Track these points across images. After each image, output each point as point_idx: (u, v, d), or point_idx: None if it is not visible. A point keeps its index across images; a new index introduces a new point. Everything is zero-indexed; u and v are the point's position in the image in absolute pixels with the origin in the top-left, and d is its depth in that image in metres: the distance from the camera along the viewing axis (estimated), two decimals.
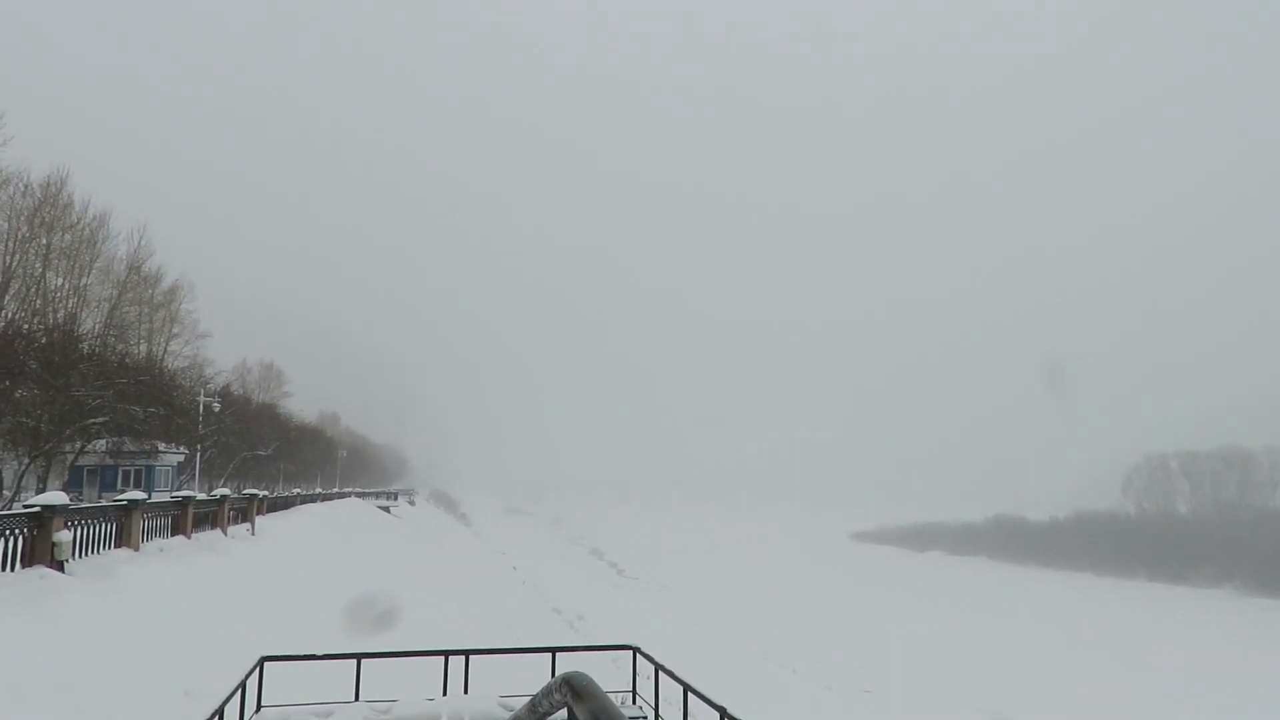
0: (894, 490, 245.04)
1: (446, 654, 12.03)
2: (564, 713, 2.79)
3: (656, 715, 11.81)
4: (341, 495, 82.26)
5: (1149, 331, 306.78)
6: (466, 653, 12.12)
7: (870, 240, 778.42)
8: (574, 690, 2.47)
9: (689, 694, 9.89)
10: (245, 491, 40.90)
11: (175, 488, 46.70)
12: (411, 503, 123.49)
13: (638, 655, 12.80)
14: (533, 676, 11.17)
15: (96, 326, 47.54)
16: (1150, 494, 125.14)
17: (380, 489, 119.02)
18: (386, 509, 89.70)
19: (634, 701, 12.77)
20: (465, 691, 11.93)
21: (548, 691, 3.06)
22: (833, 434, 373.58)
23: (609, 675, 15.31)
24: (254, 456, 62.80)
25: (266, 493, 49.39)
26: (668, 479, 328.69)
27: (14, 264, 42.76)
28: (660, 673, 11.26)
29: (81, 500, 34.38)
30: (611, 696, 13.68)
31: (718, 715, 8.45)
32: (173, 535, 27.23)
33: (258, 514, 39.29)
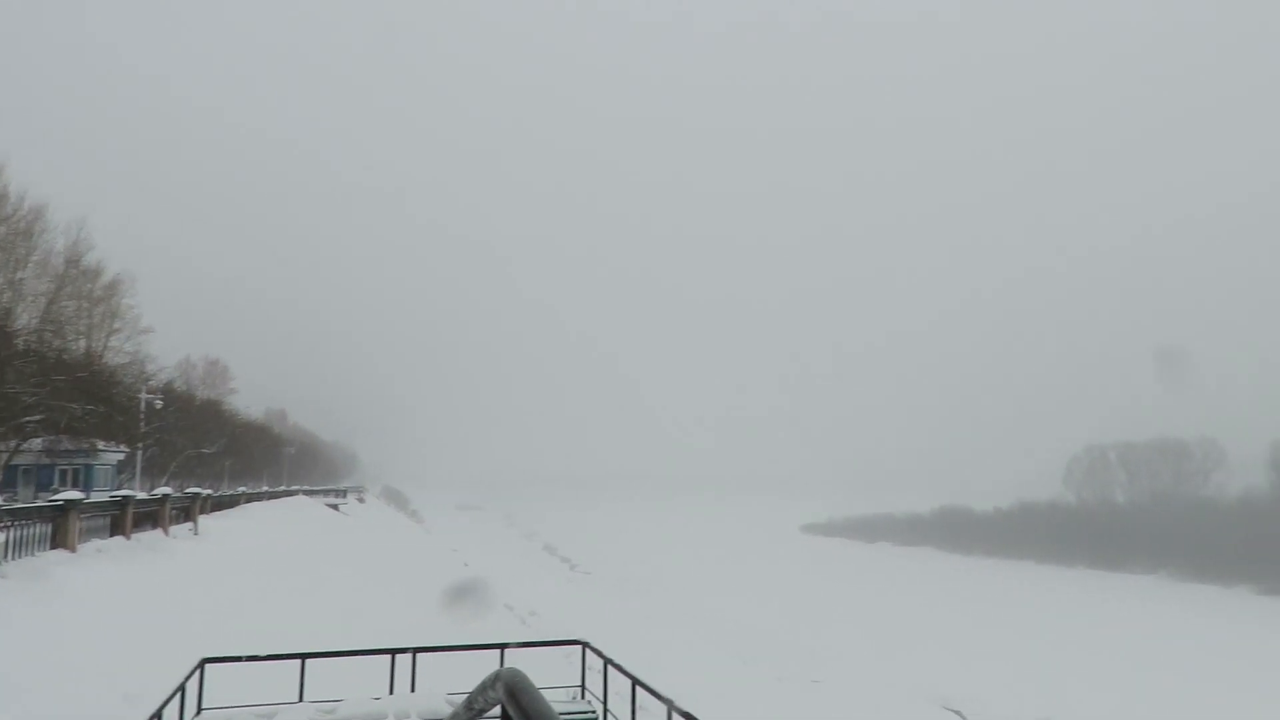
0: (845, 482, 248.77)
1: (393, 652, 11.95)
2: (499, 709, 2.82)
3: (605, 709, 11.89)
4: (289, 493, 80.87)
5: (1092, 323, 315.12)
6: (414, 650, 12.06)
7: (826, 224, 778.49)
8: (508, 687, 2.50)
9: (638, 688, 9.98)
10: (188, 490, 40.02)
11: (115, 487, 45.50)
12: (361, 500, 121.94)
13: (587, 650, 12.86)
14: (482, 674, 11.12)
15: (33, 322, 46.00)
16: (1090, 484, 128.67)
17: (329, 486, 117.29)
18: (335, 506, 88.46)
19: (583, 696, 12.83)
20: (412, 690, 11.87)
21: (483, 688, 3.09)
22: (782, 424, 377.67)
23: (560, 670, 15.36)
24: (198, 454, 61.44)
25: (210, 491, 48.37)
26: (624, 473, 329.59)
27: None
28: (609, 667, 11.34)
29: (16, 500, 33.34)
30: (561, 691, 13.73)
31: (666, 708, 8.54)
32: (112, 536, 26.55)
33: (201, 513, 38.48)
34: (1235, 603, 78.90)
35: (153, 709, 9.23)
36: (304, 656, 11.55)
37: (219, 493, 55.25)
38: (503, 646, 12.69)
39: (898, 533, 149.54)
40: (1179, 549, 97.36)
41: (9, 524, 18.88)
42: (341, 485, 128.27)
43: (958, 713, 38.89)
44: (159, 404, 52.26)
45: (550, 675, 10.09)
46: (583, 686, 13.02)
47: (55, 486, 40.10)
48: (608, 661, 11.41)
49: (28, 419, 31.40)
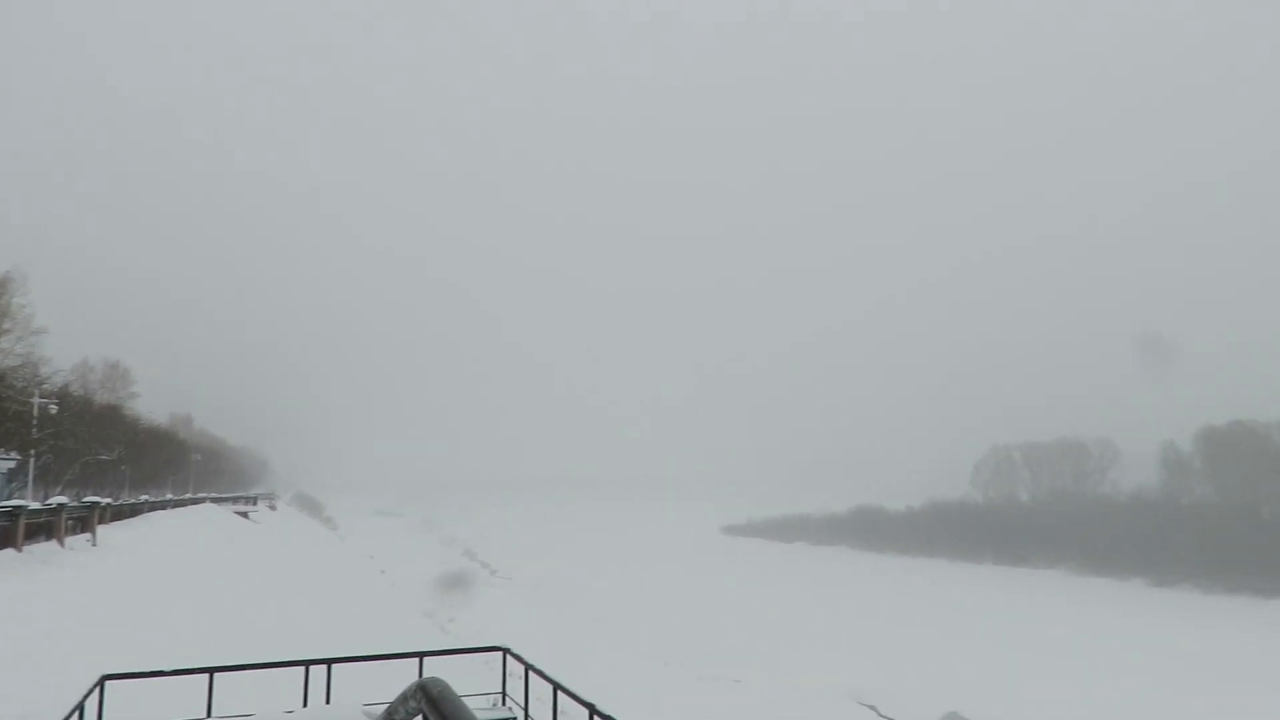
0: (768, 480, 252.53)
1: (307, 664, 11.64)
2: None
3: (526, 715, 11.83)
4: (195, 501, 77.90)
5: (999, 324, 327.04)
6: (328, 661, 11.77)
7: (745, 219, 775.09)
8: (429, 695, 2.50)
9: (559, 692, 9.96)
10: (86, 499, 38.15)
11: (5, 497, 43.02)
12: (272, 507, 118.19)
13: (508, 656, 12.77)
14: (401, 683, 10.96)
15: None
16: (996, 483, 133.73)
17: (239, 493, 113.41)
18: (245, 514, 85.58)
19: (504, 703, 12.73)
20: (327, 701, 11.58)
21: (403, 698, 3.07)
22: (705, 422, 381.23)
23: (481, 677, 15.21)
24: (96, 461, 58.62)
25: (110, 500, 46.23)
26: (547, 475, 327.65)
27: None
28: (530, 673, 11.29)
29: None
30: (482, 699, 13.58)
31: (587, 712, 8.56)
32: (1, 549, 25.12)
33: (100, 523, 36.72)
34: (1130, 595, 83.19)
35: None
36: (212, 670, 11.16)
37: (119, 501, 52.83)
38: (421, 655, 12.49)
39: (815, 533, 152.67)
40: (1078, 544, 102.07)
41: None
42: (252, 492, 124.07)
43: (871, 707, 40.00)
44: (53, 409, 49.66)
45: (471, 683, 10.00)
46: (504, 693, 12.92)
47: None
48: (529, 667, 11.36)
49: None
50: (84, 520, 35.19)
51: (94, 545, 33.60)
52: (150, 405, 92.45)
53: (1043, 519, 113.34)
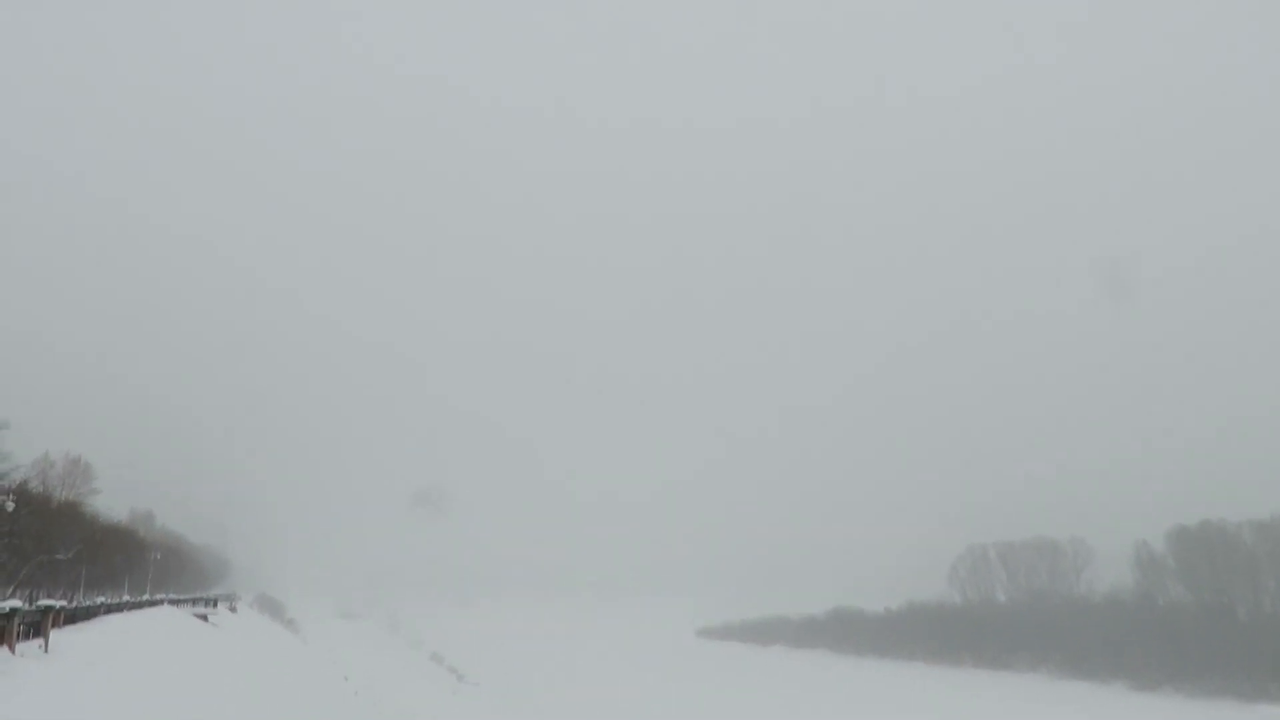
0: (739, 578, 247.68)
1: None
2: None
3: None
4: (153, 602, 75.05)
5: (972, 422, 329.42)
6: None
7: (720, 297, 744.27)
8: None
9: None
10: (39, 603, 36.59)
11: None
12: (233, 609, 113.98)
13: None
14: None
15: None
16: (973, 582, 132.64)
17: (198, 594, 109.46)
18: (204, 616, 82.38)
19: None
20: None
21: None
22: (674, 516, 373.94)
23: None
24: (51, 561, 56.53)
25: (64, 603, 44.44)
26: (516, 568, 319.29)
27: None
28: None
29: None
30: None
31: None
32: None
33: (54, 627, 35.14)
34: (1112, 699, 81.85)
35: None
36: None
37: (74, 604, 50.81)
38: None
39: (793, 635, 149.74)
40: (1057, 646, 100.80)
41: None
42: (211, 593, 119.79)
43: None
44: (10, 506, 48.16)
45: None
46: None
47: None
48: None
49: None
50: (36, 625, 33.69)
51: (46, 651, 32.10)
52: (110, 502, 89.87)
53: (1021, 620, 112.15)
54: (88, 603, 55.94)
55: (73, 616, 44.90)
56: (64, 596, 54.32)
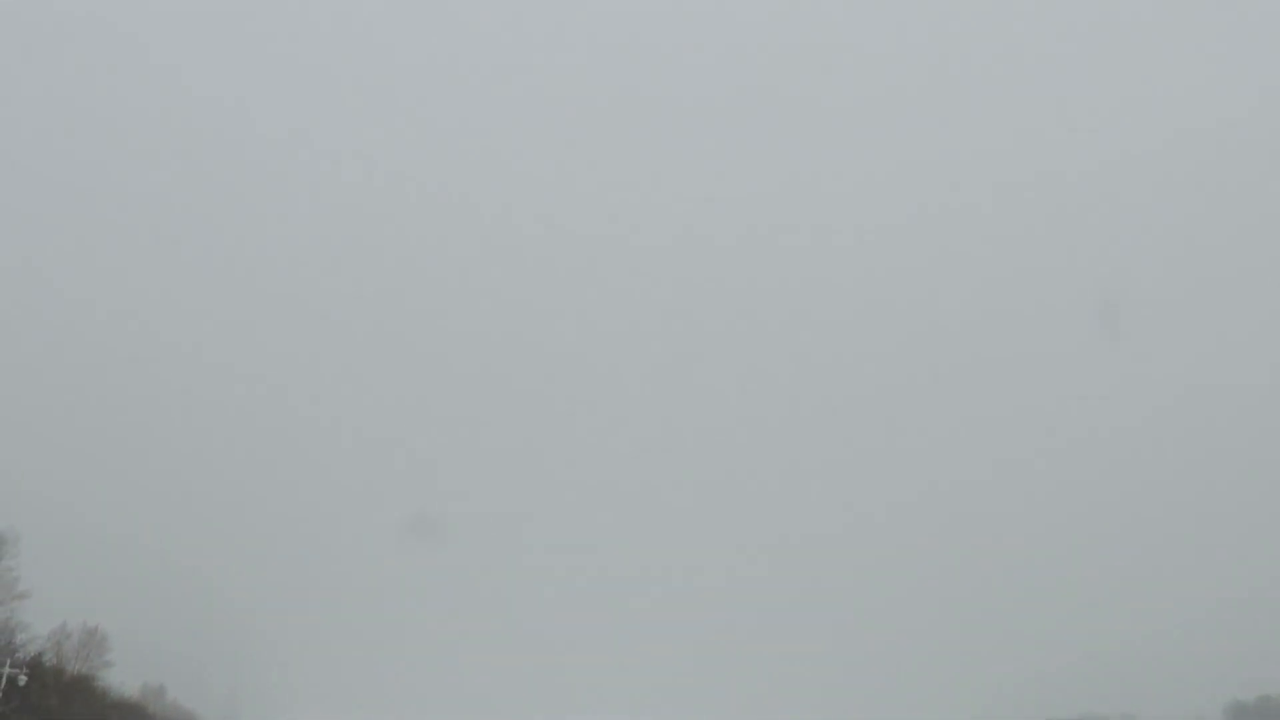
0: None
1: None
2: None
3: None
4: None
5: (1005, 595, 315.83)
6: None
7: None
8: None
9: None
10: None
11: None
12: None
13: None
14: None
15: None
16: None
17: None
18: None
19: None
20: None
21: None
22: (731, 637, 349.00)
23: None
24: None
25: None
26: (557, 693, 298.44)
27: None
28: None
29: None
30: None
31: None
32: None
33: None
34: None
35: None
36: None
37: None
38: None
39: None
40: None
41: None
42: None
43: None
44: (23, 680, 47.66)
45: None
46: None
47: None
48: None
49: None
50: None
51: None
52: (123, 674, 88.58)
53: None
54: None
55: None
56: None
